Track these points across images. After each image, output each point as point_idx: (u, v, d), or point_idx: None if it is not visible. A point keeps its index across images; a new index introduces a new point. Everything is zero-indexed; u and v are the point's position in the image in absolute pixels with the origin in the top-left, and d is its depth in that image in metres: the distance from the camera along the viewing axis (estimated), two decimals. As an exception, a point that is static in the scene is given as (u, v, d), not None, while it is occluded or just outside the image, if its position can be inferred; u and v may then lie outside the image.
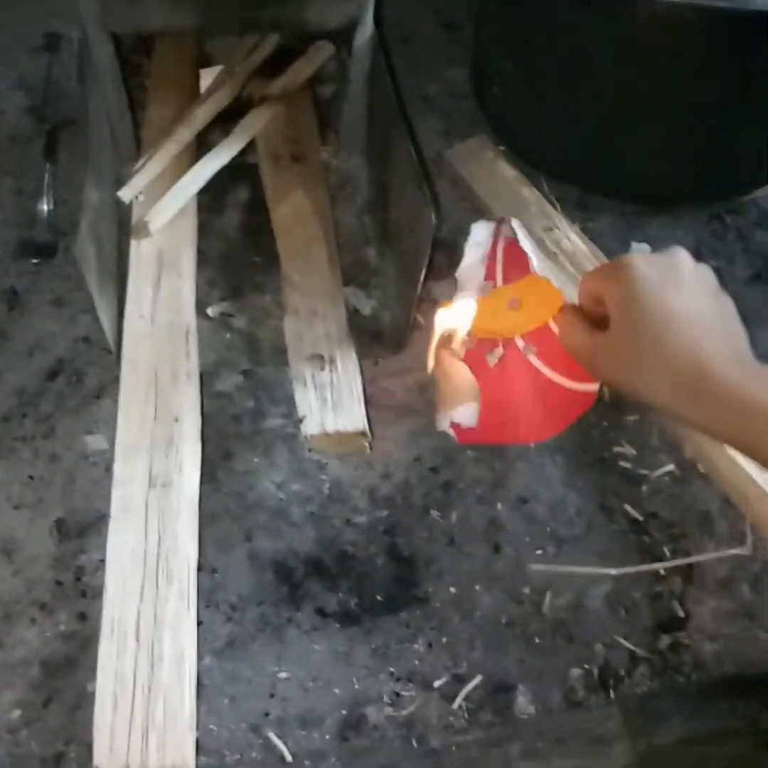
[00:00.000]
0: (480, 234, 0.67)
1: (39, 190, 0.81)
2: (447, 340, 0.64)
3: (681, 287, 0.54)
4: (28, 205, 0.80)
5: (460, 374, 0.66)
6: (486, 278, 0.67)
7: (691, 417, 0.52)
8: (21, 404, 0.69)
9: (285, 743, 0.55)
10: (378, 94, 0.74)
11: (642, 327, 0.52)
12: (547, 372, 0.66)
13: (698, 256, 0.82)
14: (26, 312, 0.75)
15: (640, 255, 0.56)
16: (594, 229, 0.84)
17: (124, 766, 0.49)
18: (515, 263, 0.64)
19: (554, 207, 0.83)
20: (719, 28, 0.74)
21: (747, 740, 0.56)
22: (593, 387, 0.66)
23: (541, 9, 0.80)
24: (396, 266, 0.70)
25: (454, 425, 0.68)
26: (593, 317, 0.57)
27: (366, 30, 0.70)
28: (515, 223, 0.64)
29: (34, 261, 0.77)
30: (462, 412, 0.67)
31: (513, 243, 0.65)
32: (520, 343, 0.66)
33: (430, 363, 0.65)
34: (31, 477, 0.66)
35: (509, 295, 0.61)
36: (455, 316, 0.62)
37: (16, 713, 0.55)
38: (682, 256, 0.56)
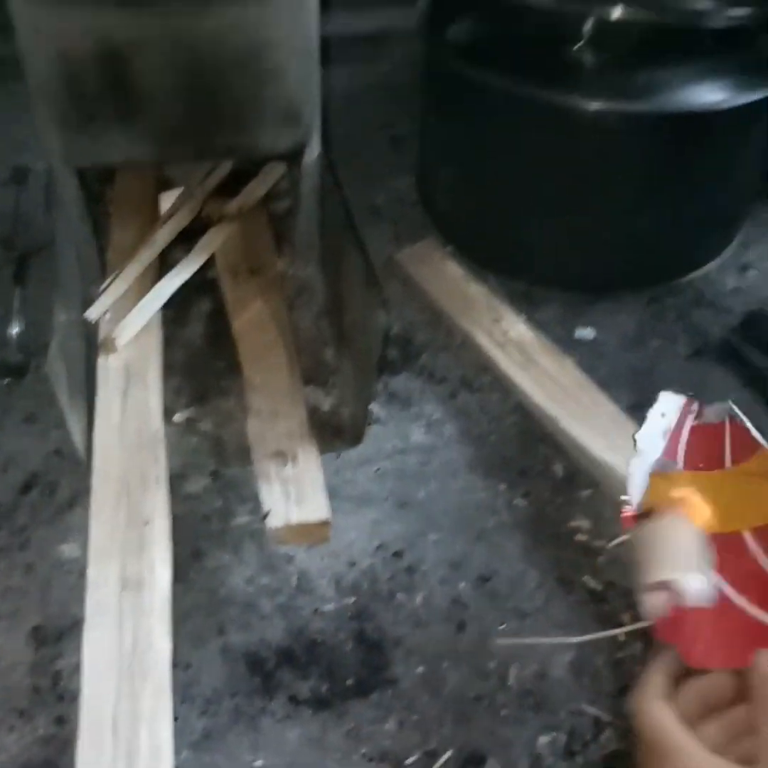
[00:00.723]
0: (666, 405, 0.67)
1: (9, 313, 0.85)
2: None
3: None
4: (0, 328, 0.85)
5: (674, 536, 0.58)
6: (667, 455, 0.64)
7: None
8: (-4, 518, 0.72)
9: (263, 830, 0.56)
10: (328, 207, 0.79)
11: None
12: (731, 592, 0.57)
13: (641, 336, 0.89)
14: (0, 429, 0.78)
15: None
16: (541, 319, 0.89)
17: None
18: (700, 447, 0.64)
19: (500, 301, 0.87)
20: (641, 130, 0.80)
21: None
22: None
23: (477, 122, 0.86)
24: (352, 364, 0.74)
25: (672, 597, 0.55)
26: None
27: (313, 150, 0.76)
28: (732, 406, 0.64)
29: (6, 380, 0.81)
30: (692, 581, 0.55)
31: (702, 427, 0.65)
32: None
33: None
34: (8, 588, 0.68)
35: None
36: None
37: (-2, 818, 0.57)
38: None
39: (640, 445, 0.64)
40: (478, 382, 0.84)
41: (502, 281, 0.91)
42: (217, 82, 0.66)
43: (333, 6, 1.25)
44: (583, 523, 0.73)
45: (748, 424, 0.62)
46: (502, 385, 0.82)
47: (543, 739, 0.61)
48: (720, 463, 0.63)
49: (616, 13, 0.76)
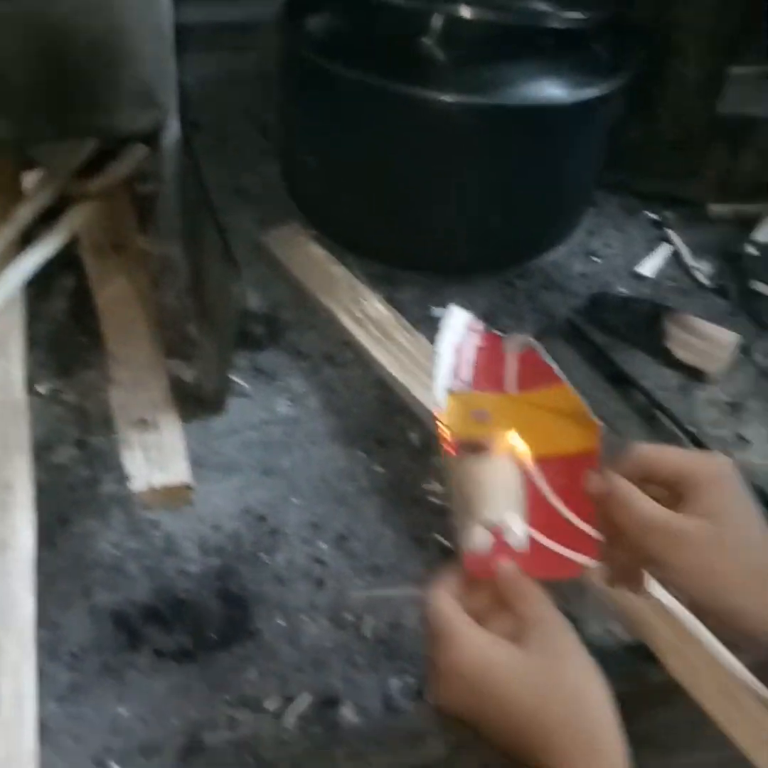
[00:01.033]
0: (455, 319, 0.67)
1: None
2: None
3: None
4: None
5: (499, 477, 0.60)
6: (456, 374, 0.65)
7: None
8: None
9: (127, 772, 0.59)
10: (187, 188, 0.82)
11: (742, 532, 0.53)
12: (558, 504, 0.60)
13: (492, 316, 0.94)
14: None
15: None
16: (400, 299, 0.94)
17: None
18: (484, 367, 0.64)
19: (360, 281, 0.92)
20: (485, 122, 0.85)
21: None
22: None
23: (333, 112, 0.90)
24: (213, 338, 0.77)
25: (498, 537, 0.58)
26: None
27: (172, 132, 0.78)
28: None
29: None
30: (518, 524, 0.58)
31: (486, 348, 0.65)
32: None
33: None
34: None
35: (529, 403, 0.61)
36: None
37: None
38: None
39: (437, 361, 0.65)
40: (340, 358, 0.88)
41: (364, 263, 0.96)
42: (72, 65, 0.68)
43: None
44: (436, 486, 0.78)
45: (548, 358, 0.63)
46: (362, 360, 0.87)
47: (394, 683, 0.65)
48: (501, 386, 0.64)
49: (461, 11, 0.81)
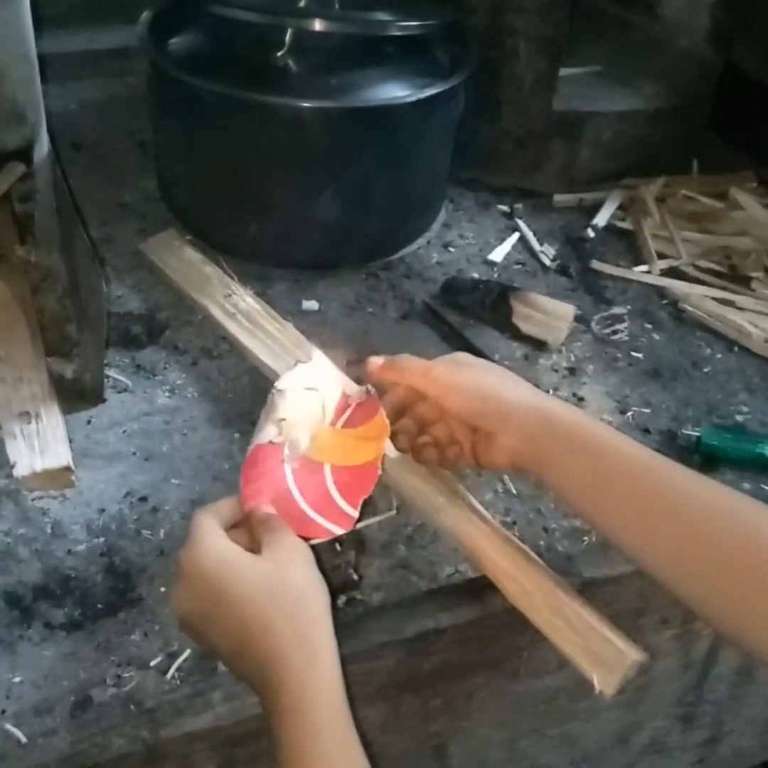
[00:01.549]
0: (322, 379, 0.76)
1: None
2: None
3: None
4: None
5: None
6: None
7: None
8: None
9: (21, 730, 0.64)
10: (60, 199, 0.88)
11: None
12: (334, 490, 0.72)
13: (359, 304, 1.02)
14: None
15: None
16: (272, 294, 1.01)
17: None
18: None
19: (232, 278, 0.99)
20: (338, 124, 0.93)
21: (398, 650, 0.70)
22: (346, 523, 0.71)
23: (198, 124, 0.97)
24: (89, 333, 0.83)
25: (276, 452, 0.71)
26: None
27: (43, 147, 0.84)
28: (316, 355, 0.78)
29: None
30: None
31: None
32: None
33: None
34: None
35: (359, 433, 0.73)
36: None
37: None
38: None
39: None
40: (216, 350, 0.94)
41: (237, 263, 1.02)
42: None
43: (76, 24, 1.34)
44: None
45: (375, 397, 0.74)
46: (236, 351, 0.93)
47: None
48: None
49: (311, 24, 0.89)
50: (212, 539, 0.62)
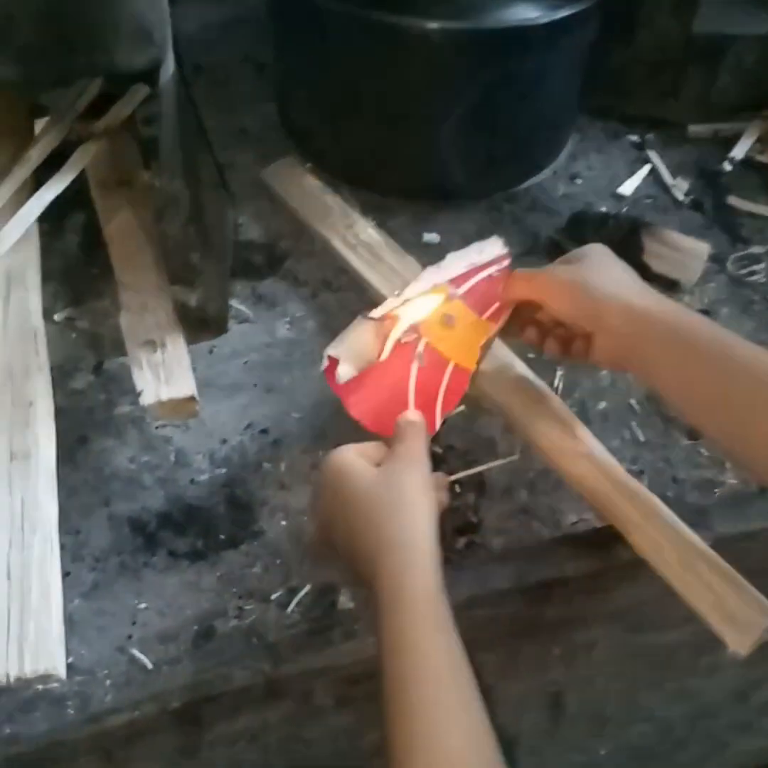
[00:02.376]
0: (490, 247, 0.78)
1: None
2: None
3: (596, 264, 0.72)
4: None
5: (374, 344, 0.71)
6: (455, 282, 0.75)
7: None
8: None
9: (146, 656, 0.66)
10: (186, 124, 0.87)
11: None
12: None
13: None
14: None
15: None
16: (392, 227, 0.98)
17: (4, 674, 0.59)
18: (479, 294, 0.75)
19: (353, 209, 0.96)
20: (467, 46, 0.89)
21: (520, 598, 0.69)
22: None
23: (323, 44, 0.94)
24: (214, 263, 0.83)
25: (330, 366, 0.69)
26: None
27: (168, 68, 0.83)
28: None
29: None
30: (345, 368, 0.69)
31: (492, 280, 0.75)
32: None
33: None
34: None
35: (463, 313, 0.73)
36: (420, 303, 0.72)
37: None
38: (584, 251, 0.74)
39: (446, 260, 0.76)
40: (336, 283, 0.93)
41: (358, 193, 1.00)
42: (73, 6, 0.72)
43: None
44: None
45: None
46: (356, 284, 0.92)
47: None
48: (482, 312, 0.74)
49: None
50: (342, 450, 0.65)
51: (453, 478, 0.76)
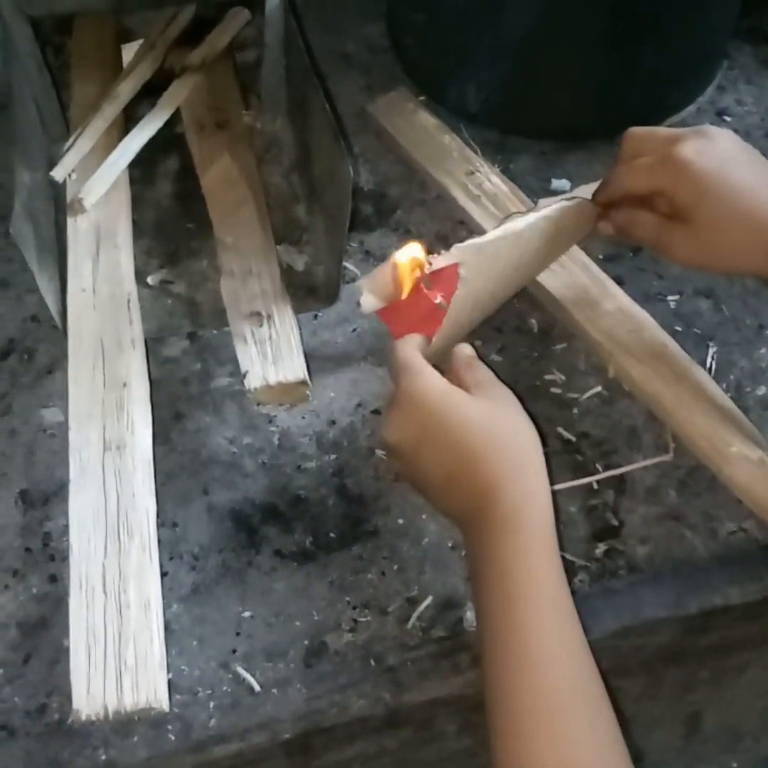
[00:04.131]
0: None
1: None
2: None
3: (732, 159, 0.64)
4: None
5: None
6: None
7: None
8: (-24, 386, 0.72)
9: (253, 675, 0.59)
10: (292, 56, 0.76)
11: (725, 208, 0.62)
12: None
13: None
14: (-27, 297, 0.77)
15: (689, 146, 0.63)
16: (515, 170, 0.87)
17: (102, 706, 0.53)
18: None
19: (474, 151, 0.86)
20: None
21: (676, 627, 0.61)
22: None
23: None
24: (323, 220, 0.73)
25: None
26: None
27: (274, -14, 0.73)
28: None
29: (-24, 247, 0.79)
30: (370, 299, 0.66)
31: None
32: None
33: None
34: (-8, 453, 0.69)
35: None
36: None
37: (-1, 672, 0.59)
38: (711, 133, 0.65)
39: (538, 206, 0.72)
40: (454, 237, 0.82)
41: (476, 130, 0.89)
42: None
43: None
44: (558, 376, 0.74)
45: None
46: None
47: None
48: None
49: None
50: (429, 374, 0.60)
51: (593, 479, 0.67)
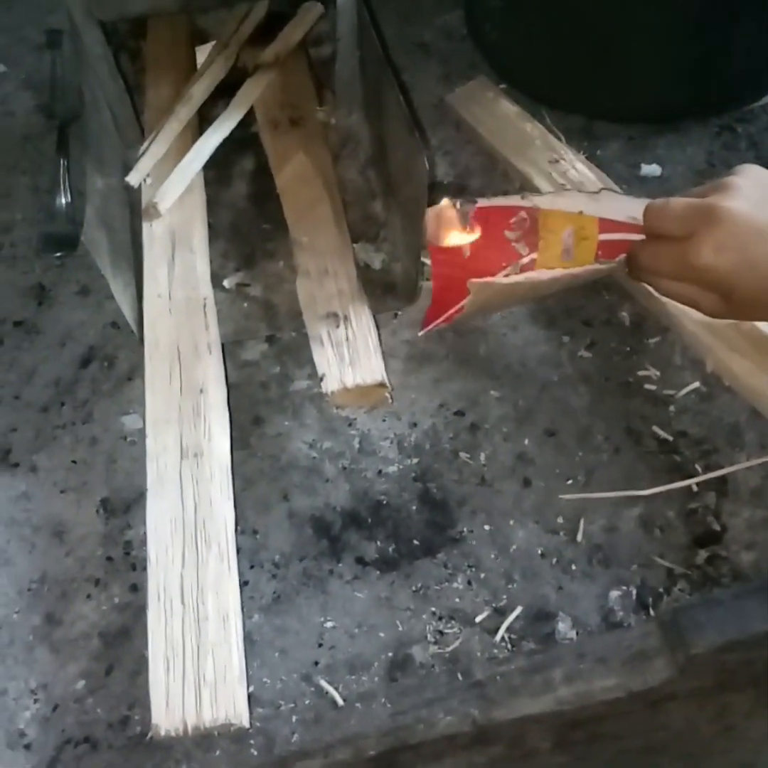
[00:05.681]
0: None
1: (55, 184, 0.82)
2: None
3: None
4: (47, 201, 0.82)
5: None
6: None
7: None
8: (58, 393, 0.72)
9: (336, 688, 0.57)
10: (366, 48, 0.74)
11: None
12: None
13: (711, 168, 0.83)
14: (55, 304, 0.77)
15: (722, 196, 0.60)
16: (602, 157, 0.84)
17: (181, 721, 0.52)
18: None
19: (558, 139, 0.82)
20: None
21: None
22: None
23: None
24: (401, 216, 0.71)
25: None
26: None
27: (346, -20, 0.71)
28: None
29: (58, 254, 0.79)
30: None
31: None
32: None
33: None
34: (74, 462, 0.68)
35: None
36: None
37: (81, 683, 0.58)
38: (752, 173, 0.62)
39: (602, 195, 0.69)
40: (537, 229, 0.79)
41: (560, 116, 0.86)
42: None
43: None
44: (652, 371, 0.70)
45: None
46: (563, 231, 0.78)
47: (614, 593, 0.60)
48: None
49: None
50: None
51: (692, 481, 0.63)
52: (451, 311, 0.66)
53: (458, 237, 0.65)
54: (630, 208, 0.66)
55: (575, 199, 0.66)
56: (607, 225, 0.65)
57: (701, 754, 0.66)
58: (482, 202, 0.65)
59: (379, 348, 0.65)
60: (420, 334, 0.70)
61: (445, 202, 0.64)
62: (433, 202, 0.64)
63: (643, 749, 0.64)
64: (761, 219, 0.58)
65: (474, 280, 0.63)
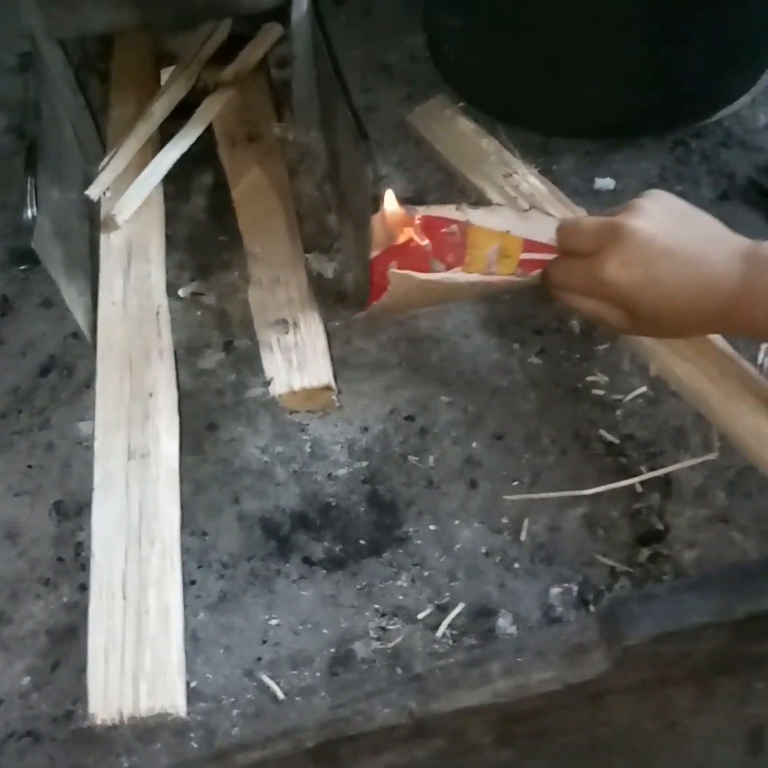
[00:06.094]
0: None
1: (23, 201, 0.84)
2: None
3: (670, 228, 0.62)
4: (14, 217, 0.84)
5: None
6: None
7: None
8: (17, 400, 0.73)
9: (278, 683, 0.58)
10: (321, 67, 0.76)
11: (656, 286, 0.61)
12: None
13: (664, 182, 0.85)
14: (18, 316, 0.79)
15: (629, 215, 0.62)
16: (558, 171, 0.85)
17: (117, 711, 0.53)
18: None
19: (513, 154, 0.84)
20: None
21: (723, 633, 0.57)
22: None
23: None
24: (352, 227, 0.73)
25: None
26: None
27: (301, 5, 0.73)
28: None
29: (22, 267, 0.81)
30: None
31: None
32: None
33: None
34: (29, 466, 0.69)
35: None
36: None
37: (27, 680, 0.59)
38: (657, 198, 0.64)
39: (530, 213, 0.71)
40: (493, 241, 0.81)
41: (518, 133, 0.87)
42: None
43: None
44: (601, 377, 0.71)
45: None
46: (516, 242, 0.79)
47: (555, 590, 0.61)
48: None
49: None
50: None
51: (636, 480, 0.64)
52: (378, 301, 0.68)
53: (402, 236, 0.66)
54: (555, 229, 0.68)
55: (505, 218, 0.68)
56: (530, 245, 0.67)
57: (648, 751, 0.66)
58: (421, 210, 0.66)
59: (327, 353, 0.66)
60: (353, 318, 0.72)
61: (390, 206, 0.65)
62: (378, 200, 0.66)
63: (588, 745, 0.64)
64: (666, 239, 0.60)
65: (395, 270, 0.65)
